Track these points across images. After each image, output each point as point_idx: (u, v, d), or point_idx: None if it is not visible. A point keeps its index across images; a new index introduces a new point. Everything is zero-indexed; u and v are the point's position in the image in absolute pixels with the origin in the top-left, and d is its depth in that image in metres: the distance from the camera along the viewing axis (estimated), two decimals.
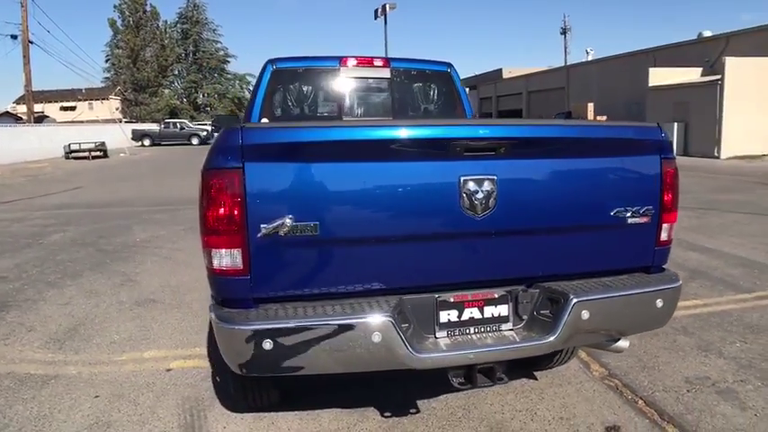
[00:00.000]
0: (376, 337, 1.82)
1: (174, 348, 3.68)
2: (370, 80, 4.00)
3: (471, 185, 1.92)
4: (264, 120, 3.75)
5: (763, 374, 3.18)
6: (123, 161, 24.51)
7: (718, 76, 19.51)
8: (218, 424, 2.73)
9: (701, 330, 3.82)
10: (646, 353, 3.46)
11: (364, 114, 4.00)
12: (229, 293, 1.88)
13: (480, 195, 1.92)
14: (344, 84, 3.94)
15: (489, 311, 2.07)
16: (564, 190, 2.08)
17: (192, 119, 51.29)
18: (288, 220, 1.79)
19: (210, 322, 2.29)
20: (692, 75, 23.00)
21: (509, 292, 2.11)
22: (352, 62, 3.90)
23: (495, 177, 1.94)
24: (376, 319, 1.83)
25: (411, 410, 2.84)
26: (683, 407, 2.84)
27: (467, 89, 4.79)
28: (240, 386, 2.57)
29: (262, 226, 1.79)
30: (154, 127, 40.40)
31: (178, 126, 39.08)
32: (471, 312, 2.05)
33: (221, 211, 1.80)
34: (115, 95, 55.16)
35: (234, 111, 64.18)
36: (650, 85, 23.62)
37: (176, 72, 62.92)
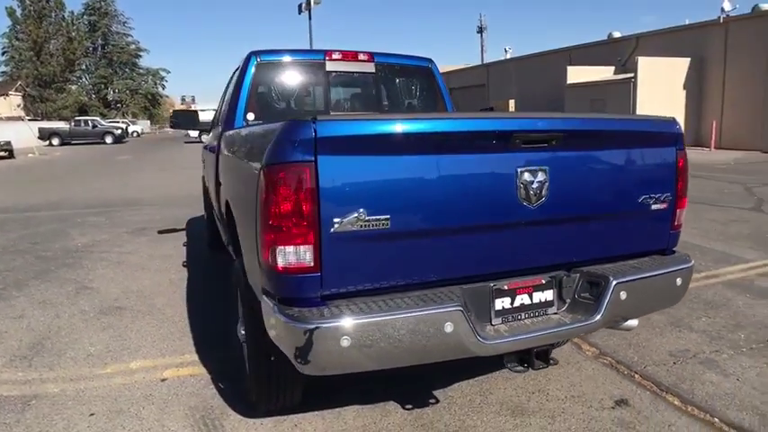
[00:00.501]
0: (448, 327, 1.84)
1: (160, 357, 3.46)
2: (356, 75, 3.96)
3: (527, 176, 2.01)
4: (251, 115, 3.61)
5: (733, 344, 3.50)
6: (35, 162, 22.56)
7: (632, 74, 21.00)
8: (238, 431, 2.62)
9: (669, 308, 4.13)
10: (628, 331, 3.69)
11: (350, 109, 3.96)
12: (296, 292, 1.81)
13: (535, 186, 2.01)
14: (330, 78, 3.87)
15: (537, 297, 2.15)
16: (601, 179, 2.21)
17: (103, 116, 48.12)
18: (361, 214, 1.76)
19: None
20: (606, 73, 24.60)
21: (553, 277, 2.20)
22: (336, 56, 3.84)
23: (547, 168, 2.03)
24: (448, 310, 1.85)
25: (431, 401, 2.86)
26: (675, 377, 3.07)
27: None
28: (264, 389, 2.48)
29: (335, 221, 1.75)
30: (63, 125, 37.48)
31: (90, 124, 36.56)
32: (522, 299, 2.12)
33: (292, 206, 1.73)
34: (16, 91, 50.51)
35: (147, 107, 61.07)
36: (568, 82, 25.00)
37: (84, 67, 58.79)
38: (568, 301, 2.22)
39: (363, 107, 3.99)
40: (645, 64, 20.44)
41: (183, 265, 5.66)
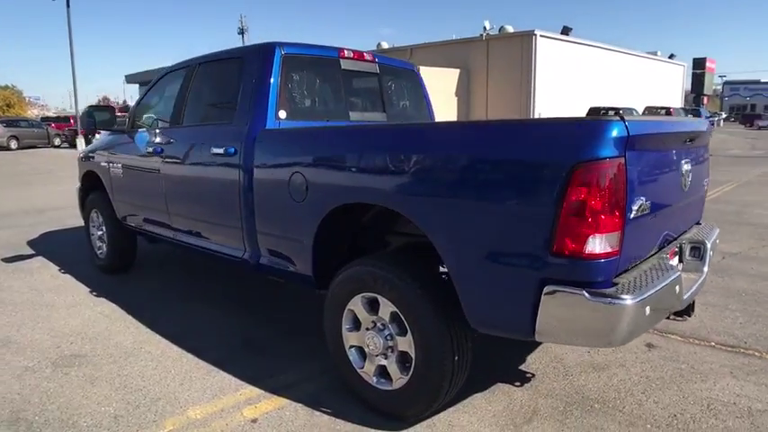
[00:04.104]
0: (677, 289, 2.27)
1: (214, 399, 2.95)
2: (364, 74, 3.89)
3: (685, 167, 2.60)
4: (282, 111, 3.28)
5: None
6: None
7: None
8: None
9: None
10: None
11: (362, 109, 3.87)
12: (600, 276, 1.98)
13: (689, 174, 2.62)
14: (345, 76, 3.73)
15: (673, 261, 2.67)
16: (696, 167, 2.87)
17: None
18: (644, 201, 2.09)
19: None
20: None
21: (679, 245, 2.77)
22: (348, 54, 3.73)
23: (690, 160, 2.64)
24: (677, 275, 2.28)
25: (527, 375, 3.15)
26: (661, 323, 3.90)
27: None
28: (438, 393, 2.48)
29: (633, 208, 2.04)
30: None
31: None
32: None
33: (608, 198, 1.92)
34: None
35: None
36: None
37: None
38: (684, 262, 2.80)
39: (373, 107, 3.96)
40: (424, 73, 22.92)
41: (95, 296, 4.67)
